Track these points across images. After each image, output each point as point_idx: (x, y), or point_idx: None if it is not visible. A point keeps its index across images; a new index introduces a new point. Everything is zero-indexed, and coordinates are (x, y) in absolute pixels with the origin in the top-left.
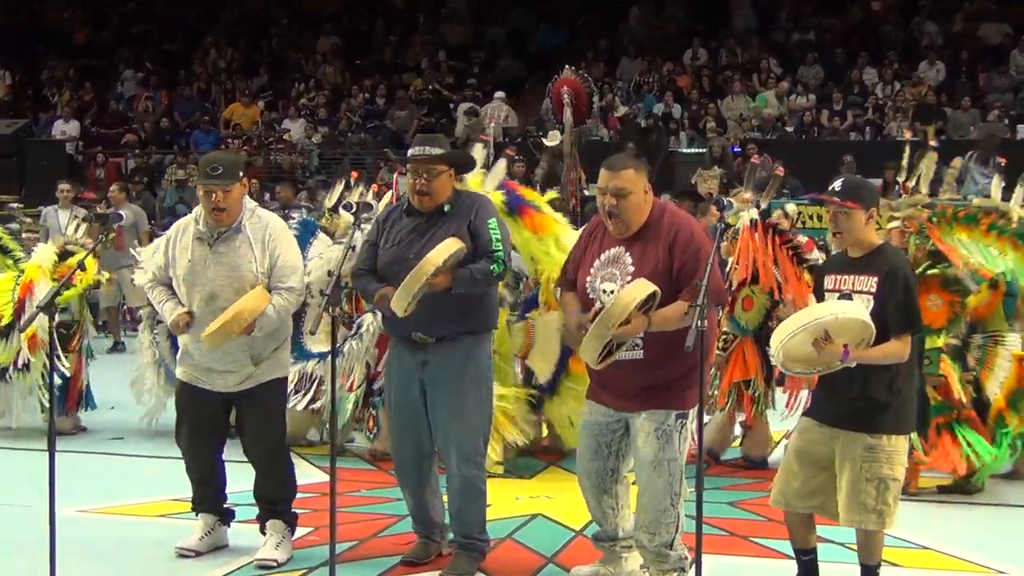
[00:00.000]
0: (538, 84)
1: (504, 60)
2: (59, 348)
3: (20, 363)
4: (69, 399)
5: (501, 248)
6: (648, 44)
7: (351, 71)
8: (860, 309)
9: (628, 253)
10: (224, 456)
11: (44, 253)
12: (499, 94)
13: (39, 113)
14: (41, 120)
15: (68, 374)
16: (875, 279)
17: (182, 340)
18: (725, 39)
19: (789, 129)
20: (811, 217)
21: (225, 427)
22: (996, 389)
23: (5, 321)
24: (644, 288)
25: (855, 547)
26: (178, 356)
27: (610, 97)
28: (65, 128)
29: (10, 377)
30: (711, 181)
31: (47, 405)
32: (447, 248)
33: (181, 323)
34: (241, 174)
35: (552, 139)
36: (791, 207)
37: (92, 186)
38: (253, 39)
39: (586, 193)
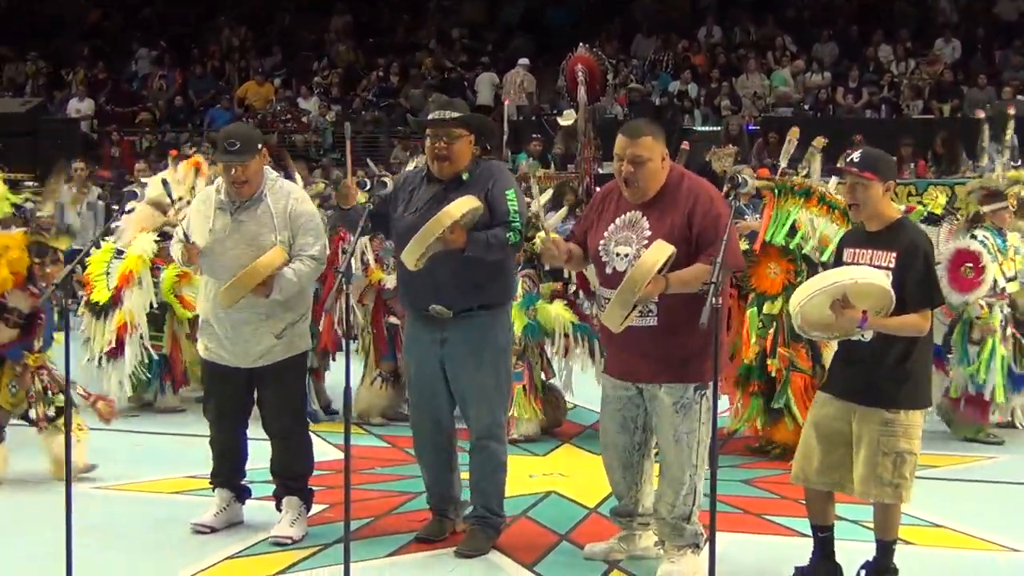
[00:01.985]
0: (551, 62)
1: (517, 38)
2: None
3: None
4: (173, 377)
5: (518, 219)
6: (661, 21)
7: (364, 50)
8: (881, 277)
9: (645, 217)
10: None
11: (144, 242)
12: (523, 61)
13: (53, 92)
14: (56, 99)
15: (166, 352)
16: (893, 254)
17: (202, 311)
18: (739, 16)
19: (805, 106)
20: None
21: (249, 404)
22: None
23: (96, 296)
24: (664, 250)
25: (871, 525)
26: (199, 328)
27: (625, 73)
28: (79, 107)
29: (103, 362)
30: (725, 159)
31: (141, 383)
32: (465, 203)
33: (189, 254)
34: (260, 146)
35: (567, 118)
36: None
37: (107, 164)
38: (265, 19)
39: (600, 172)
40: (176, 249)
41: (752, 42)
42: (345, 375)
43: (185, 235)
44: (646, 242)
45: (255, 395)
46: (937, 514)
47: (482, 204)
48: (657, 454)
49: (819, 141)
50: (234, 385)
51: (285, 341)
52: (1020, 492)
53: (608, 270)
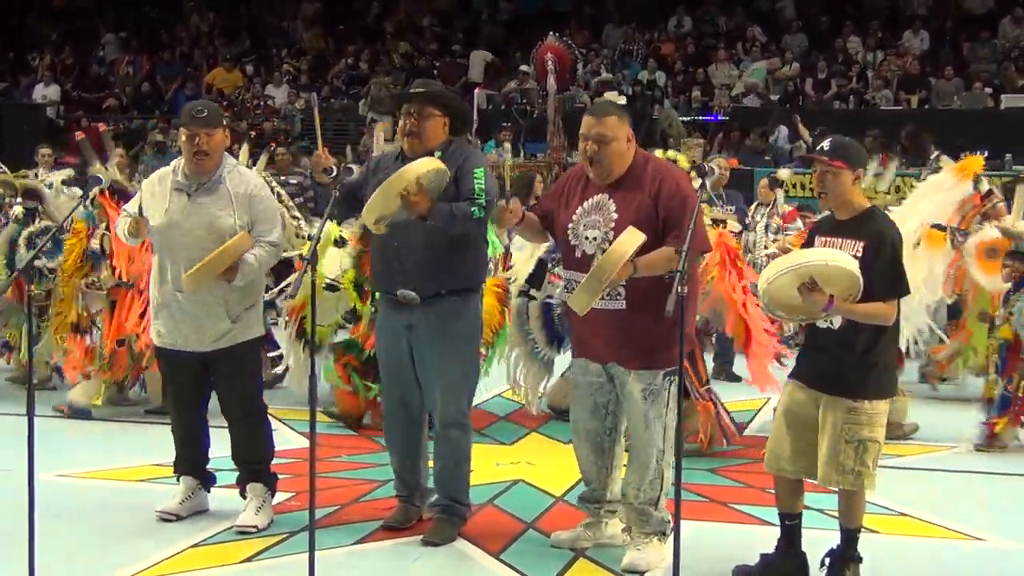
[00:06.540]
0: (521, 50)
1: (487, 26)
2: None
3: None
4: None
5: (484, 196)
6: (632, 11)
7: (333, 36)
8: (852, 262)
9: (612, 200)
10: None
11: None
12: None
13: (19, 77)
14: (21, 84)
15: None
16: (861, 244)
17: (156, 295)
18: (708, 6)
19: (774, 97)
20: (794, 186)
21: (206, 389)
22: None
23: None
24: (635, 239)
25: (835, 514)
26: (152, 311)
27: (596, 62)
28: (46, 92)
29: None
30: (694, 150)
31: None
32: (427, 163)
33: (137, 226)
34: (224, 122)
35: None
36: (784, 172)
37: (73, 151)
38: (233, 5)
39: (569, 160)
40: (123, 222)
41: (722, 32)
42: (310, 360)
43: (140, 209)
44: (613, 224)
45: (211, 380)
46: (901, 503)
47: (446, 168)
48: (627, 438)
49: None
50: (189, 371)
51: (240, 324)
52: (983, 481)
53: (577, 253)
